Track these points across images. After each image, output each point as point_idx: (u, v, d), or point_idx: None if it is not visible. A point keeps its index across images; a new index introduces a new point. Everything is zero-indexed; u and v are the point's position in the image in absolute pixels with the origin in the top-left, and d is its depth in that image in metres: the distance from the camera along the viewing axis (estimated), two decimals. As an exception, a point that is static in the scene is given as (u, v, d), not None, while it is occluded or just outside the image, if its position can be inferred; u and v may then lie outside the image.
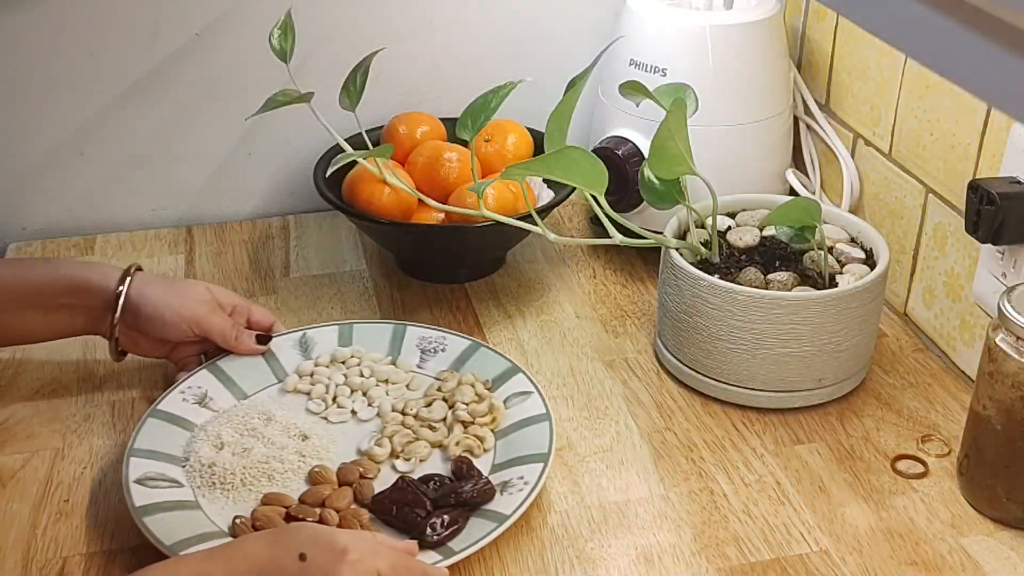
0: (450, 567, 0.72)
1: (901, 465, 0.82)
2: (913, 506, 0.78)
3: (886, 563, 0.73)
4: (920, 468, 0.82)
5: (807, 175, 1.11)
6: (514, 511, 0.73)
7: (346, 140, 1.00)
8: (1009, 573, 0.73)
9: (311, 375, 0.89)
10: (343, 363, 0.90)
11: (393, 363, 0.90)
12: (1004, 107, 0.36)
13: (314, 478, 0.79)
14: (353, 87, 0.96)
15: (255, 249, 1.12)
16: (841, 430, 0.86)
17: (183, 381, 0.86)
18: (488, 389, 0.86)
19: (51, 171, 1.12)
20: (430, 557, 0.71)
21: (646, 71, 1.00)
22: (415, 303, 1.02)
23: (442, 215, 0.99)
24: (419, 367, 0.90)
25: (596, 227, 1.14)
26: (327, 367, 0.90)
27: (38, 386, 0.91)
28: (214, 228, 1.16)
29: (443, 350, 0.91)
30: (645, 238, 0.88)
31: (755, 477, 0.81)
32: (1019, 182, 0.80)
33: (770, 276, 0.87)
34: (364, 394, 0.87)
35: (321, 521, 0.74)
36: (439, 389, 0.86)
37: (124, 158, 1.13)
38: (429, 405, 0.85)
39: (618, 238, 0.87)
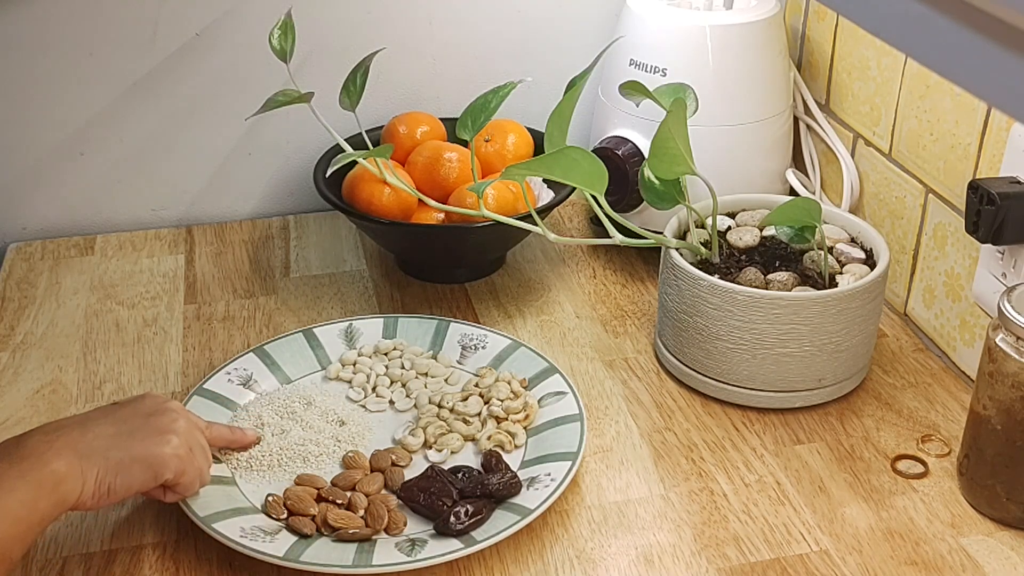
0: (453, 564, 0.72)
1: (901, 465, 0.82)
2: (913, 506, 0.78)
3: (886, 563, 0.73)
4: (920, 468, 0.82)
5: (807, 175, 1.11)
6: (538, 506, 0.74)
7: (346, 140, 1.00)
8: (1009, 573, 0.73)
9: (354, 364, 0.91)
10: (386, 355, 0.92)
11: (434, 357, 0.92)
12: (1004, 107, 0.36)
13: (347, 462, 0.81)
14: (353, 87, 0.96)
15: (255, 249, 1.12)
16: (841, 430, 0.86)
17: (230, 363, 0.89)
18: (524, 387, 0.87)
19: (51, 171, 1.12)
20: (453, 544, 0.72)
21: (646, 71, 1.00)
22: (415, 303, 1.02)
23: (442, 215, 0.99)
24: (459, 363, 0.92)
25: (596, 227, 1.14)
26: (370, 358, 0.92)
27: (38, 386, 0.91)
28: (214, 228, 1.16)
29: (483, 347, 0.92)
30: (645, 238, 0.88)
31: (755, 477, 0.81)
32: (1019, 182, 0.80)
33: (770, 276, 0.87)
34: (403, 386, 0.89)
35: (349, 504, 0.76)
36: (476, 385, 0.88)
37: (124, 158, 1.14)
38: (465, 399, 0.86)
39: (618, 238, 0.87)
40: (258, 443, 0.81)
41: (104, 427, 0.70)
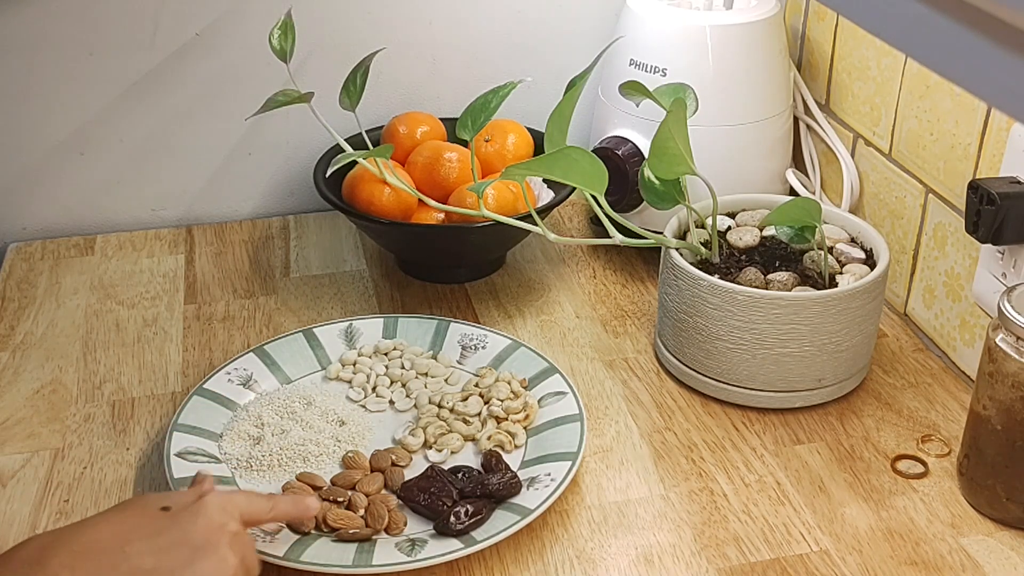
0: (453, 564, 0.72)
1: (901, 465, 0.82)
2: (913, 506, 0.78)
3: (886, 563, 0.73)
4: (920, 468, 0.82)
5: (807, 175, 1.11)
6: (538, 506, 0.74)
7: (346, 140, 1.00)
8: (1009, 573, 0.73)
9: (354, 364, 0.91)
10: (386, 355, 0.92)
11: (434, 357, 0.92)
12: (1004, 107, 0.36)
13: (347, 462, 0.80)
14: (353, 87, 0.96)
15: (255, 249, 1.12)
16: (841, 430, 0.86)
17: (230, 363, 0.88)
18: (524, 387, 0.87)
19: (51, 171, 1.12)
20: (453, 544, 0.72)
21: (646, 71, 1.00)
22: (415, 303, 1.02)
23: (442, 215, 0.99)
24: (459, 363, 0.92)
25: (596, 227, 1.14)
26: (370, 358, 0.92)
27: (38, 386, 0.91)
28: (214, 228, 1.16)
29: (483, 347, 0.92)
30: (645, 238, 0.88)
31: (755, 477, 0.81)
32: (1019, 182, 0.80)
33: (770, 276, 0.87)
34: (403, 386, 0.89)
35: (349, 504, 0.76)
36: (476, 385, 0.88)
37: (124, 158, 1.14)
38: (465, 400, 0.86)
39: (618, 238, 0.87)
40: (320, 507, 0.74)
41: (144, 558, 0.59)
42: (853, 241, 0.92)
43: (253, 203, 1.19)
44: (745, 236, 0.92)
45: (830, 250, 0.90)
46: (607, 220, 0.87)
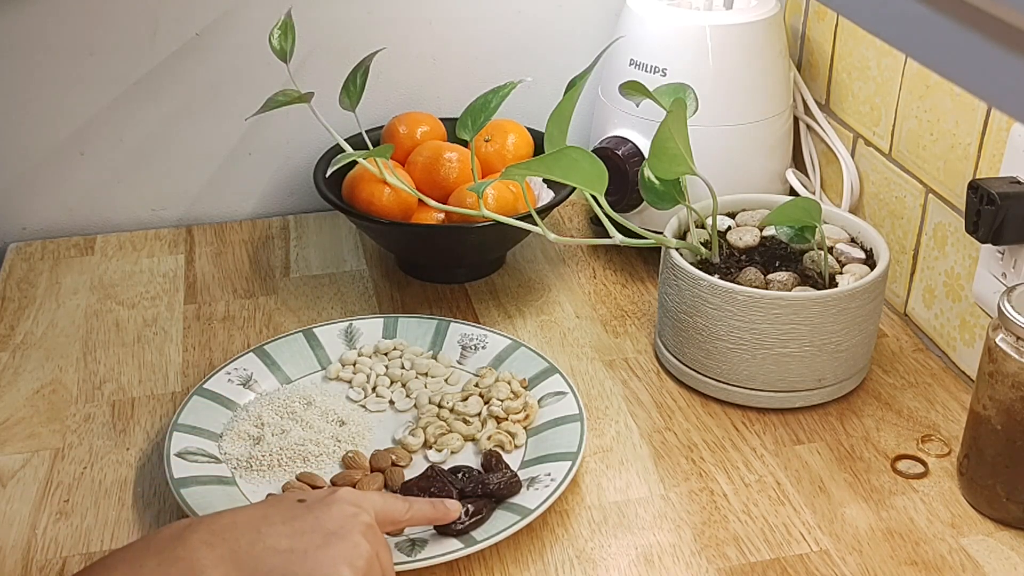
0: (453, 564, 0.72)
1: (901, 465, 0.82)
2: (913, 506, 0.78)
3: (886, 563, 0.73)
4: (920, 468, 0.82)
5: (807, 175, 1.11)
6: (538, 506, 0.74)
7: (346, 140, 1.00)
8: (1009, 573, 0.73)
9: (354, 364, 0.91)
10: (386, 355, 0.92)
11: (434, 357, 0.92)
12: (1004, 107, 0.36)
13: (347, 462, 0.81)
14: (353, 87, 0.96)
15: (255, 249, 1.12)
16: (841, 430, 0.86)
17: (230, 363, 0.89)
18: (524, 387, 0.87)
19: (51, 171, 1.12)
20: (453, 544, 0.72)
21: (646, 71, 1.00)
22: (415, 303, 1.02)
23: (442, 215, 0.99)
24: (459, 363, 0.92)
25: (596, 227, 1.14)
26: (370, 358, 0.92)
27: (38, 386, 0.91)
28: (214, 228, 1.16)
29: (483, 347, 0.92)
30: (645, 238, 0.88)
31: (755, 477, 0.81)
32: (1019, 182, 0.80)
33: (770, 276, 0.87)
34: (403, 386, 0.89)
35: None
36: (476, 385, 0.88)
37: (124, 158, 1.14)
38: (465, 399, 0.86)
39: (618, 238, 0.87)
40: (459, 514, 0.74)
41: (279, 539, 0.62)
42: (853, 241, 0.92)
43: (253, 203, 1.19)
44: (745, 236, 0.92)
45: (830, 250, 0.90)
46: (607, 220, 0.87)
